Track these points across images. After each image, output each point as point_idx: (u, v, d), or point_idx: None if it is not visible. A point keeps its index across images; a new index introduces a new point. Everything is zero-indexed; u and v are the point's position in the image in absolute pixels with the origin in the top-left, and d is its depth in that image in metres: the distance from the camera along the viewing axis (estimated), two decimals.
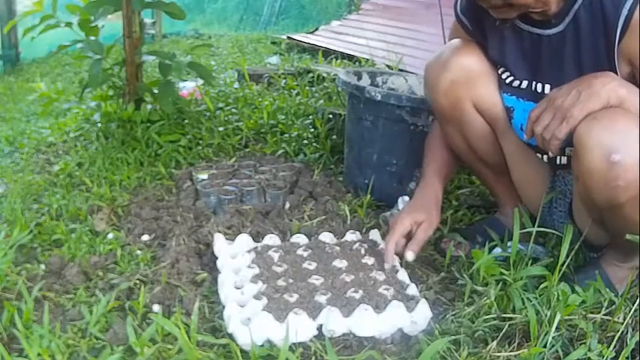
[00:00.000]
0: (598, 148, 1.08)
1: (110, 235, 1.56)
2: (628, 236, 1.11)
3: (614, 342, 1.09)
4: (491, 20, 1.33)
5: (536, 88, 1.32)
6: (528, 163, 1.44)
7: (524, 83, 1.34)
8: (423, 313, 1.18)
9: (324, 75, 3.10)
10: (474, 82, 1.37)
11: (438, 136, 1.53)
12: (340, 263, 1.35)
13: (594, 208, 1.20)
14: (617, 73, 1.18)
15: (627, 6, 1.13)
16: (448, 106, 1.40)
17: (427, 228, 1.39)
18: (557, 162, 1.37)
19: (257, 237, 1.51)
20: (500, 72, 1.38)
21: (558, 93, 1.15)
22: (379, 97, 1.70)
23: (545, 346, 1.07)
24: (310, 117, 2.43)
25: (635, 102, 1.10)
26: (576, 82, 1.14)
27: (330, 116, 2.30)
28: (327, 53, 4.42)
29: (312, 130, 2.32)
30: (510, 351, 1.10)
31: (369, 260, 1.38)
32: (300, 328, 1.12)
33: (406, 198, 1.69)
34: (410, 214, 1.40)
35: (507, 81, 1.36)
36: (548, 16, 1.23)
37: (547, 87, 1.30)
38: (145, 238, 1.56)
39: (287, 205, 1.75)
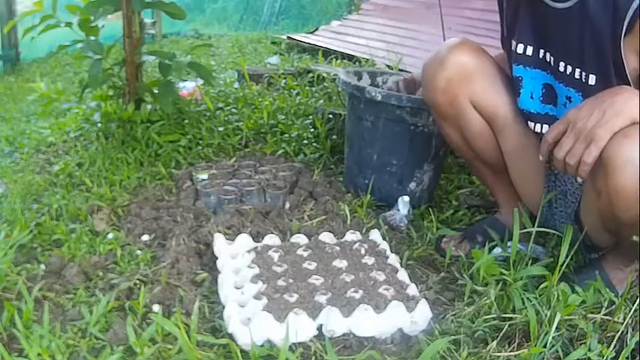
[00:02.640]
0: (629, 167, 1.05)
1: (110, 235, 1.56)
2: (635, 238, 1.10)
3: (614, 342, 1.09)
4: None
5: (544, 56, 1.33)
6: (526, 160, 1.44)
7: (530, 49, 1.35)
8: (423, 313, 1.18)
9: (324, 75, 3.10)
10: (471, 79, 1.38)
11: None
12: (340, 263, 1.35)
13: (616, 223, 1.17)
14: (622, 62, 1.17)
15: None
16: (445, 105, 1.41)
17: None
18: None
19: (257, 237, 1.51)
20: (511, 44, 1.39)
21: (578, 115, 1.11)
22: (379, 98, 1.70)
23: (545, 346, 1.07)
24: (310, 117, 2.43)
25: None
26: (595, 102, 1.11)
27: (330, 116, 2.30)
28: (327, 53, 4.41)
29: (312, 130, 2.32)
30: (510, 351, 1.10)
31: (369, 260, 1.38)
32: (300, 328, 1.12)
33: (406, 198, 1.69)
34: None
35: (517, 51, 1.37)
36: None
37: (552, 58, 1.30)
38: (145, 238, 1.56)
39: (287, 205, 1.75)
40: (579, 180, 1.14)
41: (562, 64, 1.28)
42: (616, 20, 1.15)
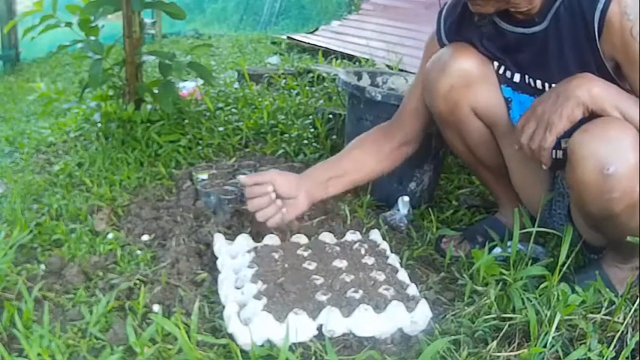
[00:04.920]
0: (591, 161, 1.08)
1: (110, 235, 1.56)
2: (629, 238, 1.11)
3: (614, 342, 1.09)
4: (476, 32, 1.35)
5: (529, 82, 1.33)
6: (528, 165, 1.43)
7: (517, 76, 1.35)
8: (423, 313, 1.18)
9: (324, 75, 3.10)
10: (474, 86, 1.37)
11: (371, 141, 1.52)
12: (340, 263, 1.35)
13: (589, 217, 1.20)
14: (605, 67, 1.18)
15: (602, 0, 1.14)
16: (447, 111, 1.40)
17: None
18: (554, 156, 1.37)
19: (257, 237, 1.51)
20: (495, 66, 1.38)
21: (540, 100, 1.17)
22: (379, 98, 1.70)
23: (545, 346, 1.07)
24: (310, 117, 2.43)
25: (611, 100, 1.11)
26: (555, 88, 1.16)
27: (330, 116, 2.30)
28: (327, 53, 4.42)
29: (312, 130, 2.32)
30: (510, 351, 1.10)
31: (369, 260, 1.38)
32: (300, 328, 1.12)
33: (406, 198, 1.69)
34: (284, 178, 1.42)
35: (506, 75, 1.37)
36: (531, 15, 1.24)
37: (538, 82, 1.31)
38: (145, 238, 1.56)
39: None
40: (544, 167, 1.18)
41: (554, 86, 1.27)
42: (587, 27, 1.17)
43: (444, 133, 1.49)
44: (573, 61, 1.21)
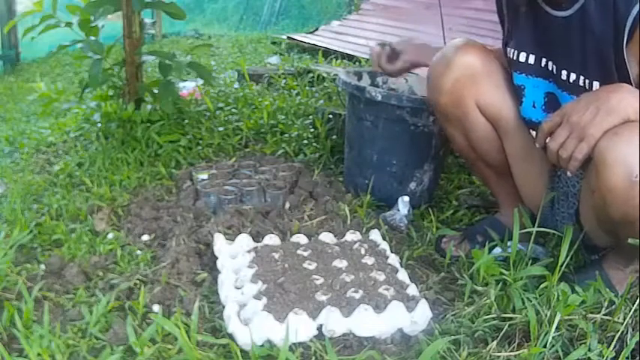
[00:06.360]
0: (620, 166, 1.06)
1: (110, 235, 1.56)
2: (630, 240, 1.10)
3: (614, 342, 1.09)
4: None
5: (546, 65, 1.32)
6: (530, 162, 1.43)
7: (532, 58, 1.34)
8: (423, 313, 1.18)
9: (324, 75, 3.10)
10: (478, 80, 1.37)
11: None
12: (340, 263, 1.35)
13: (609, 221, 1.18)
14: (626, 69, 1.17)
15: (639, 7, 1.11)
16: (451, 106, 1.40)
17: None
18: None
19: (257, 237, 1.51)
20: (510, 52, 1.38)
21: (574, 108, 1.12)
22: (380, 98, 1.70)
23: (545, 346, 1.07)
24: (310, 117, 2.42)
25: None
26: (592, 97, 1.12)
27: (330, 116, 2.30)
28: (327, 53, 4.42)
29: (312, 130, 2.32)
30: (510, 351, 1.10)
31: (369, 260, 1.38)
32: (300, 328, 1.12)
33: (406, 198, 1.69)
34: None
35: (515, 58, 1.37)
36: None
37: (554, 67, 1.30)
38: (145, 238, 1.56)
39: (287, 205, 1.74)
40: (568, 174, 1.15)
41: (564, 72, 1.27)
42: (617, 28, 1.15)
43: (446, 129, 1.49)
44: (593, 56, 1.20)
